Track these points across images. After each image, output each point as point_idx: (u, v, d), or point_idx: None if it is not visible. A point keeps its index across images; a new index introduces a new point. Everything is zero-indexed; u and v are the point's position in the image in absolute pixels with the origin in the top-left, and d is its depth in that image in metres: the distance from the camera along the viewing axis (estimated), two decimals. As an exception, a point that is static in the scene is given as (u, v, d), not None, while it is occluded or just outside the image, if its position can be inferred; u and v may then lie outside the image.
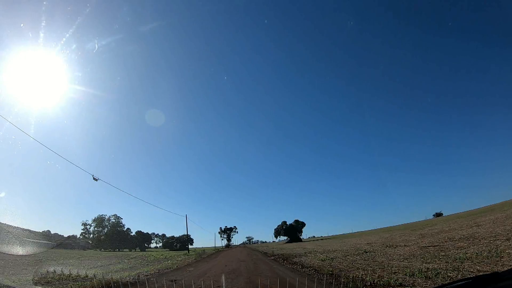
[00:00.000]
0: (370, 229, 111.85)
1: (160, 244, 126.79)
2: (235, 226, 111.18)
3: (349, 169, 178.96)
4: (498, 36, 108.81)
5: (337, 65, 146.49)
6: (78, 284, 9.34)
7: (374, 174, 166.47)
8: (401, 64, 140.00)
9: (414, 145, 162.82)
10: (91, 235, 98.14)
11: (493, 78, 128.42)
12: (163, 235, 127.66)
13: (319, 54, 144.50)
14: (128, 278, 10.64)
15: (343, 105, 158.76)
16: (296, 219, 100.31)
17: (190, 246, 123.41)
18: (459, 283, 2.02)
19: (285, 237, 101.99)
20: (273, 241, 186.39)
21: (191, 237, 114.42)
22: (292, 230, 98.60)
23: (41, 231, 72.83)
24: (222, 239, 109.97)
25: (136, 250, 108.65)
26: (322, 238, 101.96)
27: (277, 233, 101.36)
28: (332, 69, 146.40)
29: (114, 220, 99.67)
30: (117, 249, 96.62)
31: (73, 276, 11.36)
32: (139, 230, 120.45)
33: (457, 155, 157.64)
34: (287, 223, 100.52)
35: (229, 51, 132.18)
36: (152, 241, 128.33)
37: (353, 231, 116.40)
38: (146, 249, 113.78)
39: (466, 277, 3.27)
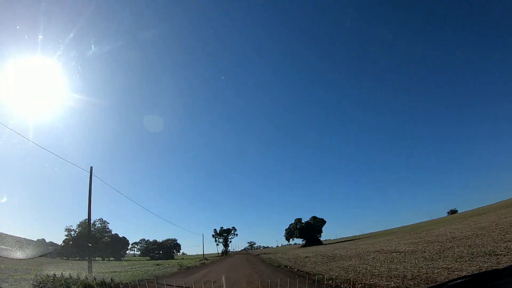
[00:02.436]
0: (381, 230, 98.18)
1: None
2: (233, 227, 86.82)
3: (353, 170, 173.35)
4: (503, 29, 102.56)
5: (338, 63, 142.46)
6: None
7: (374, 174, 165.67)
8: (406, 58, 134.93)
9: (421, 143, 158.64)
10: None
11: (501, 71, 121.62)
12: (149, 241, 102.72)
13: (319, 52, 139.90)
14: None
15: (346, 103, 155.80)
16: (313, 215, 76.10)
17: (176, 254, 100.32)
18: (459, 281, 1.96)
19: (301, 240, 77.54)
20: (277, 246, 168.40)
21: (178, 242, 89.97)
22: (309, 230, 74.48)
23: (35, 239, 65.19)
24: (218, 244, 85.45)
25: (110, 259, 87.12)
26: (346, 239, 78.90)
27: (290, 234, 76.93)
28: (333, 66, 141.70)
29: (99, 225, 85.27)
30: (86, 258, 77.63)
31: None
32: (114, 233, 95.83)
33: (464, 152, 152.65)
34: (302, 220, 76.29)
35: (227, 51, 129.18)
36: (134, 247, 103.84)
37: (364, 233, 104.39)
38: (123, 258, 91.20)
39: (466, 275, 3.28)
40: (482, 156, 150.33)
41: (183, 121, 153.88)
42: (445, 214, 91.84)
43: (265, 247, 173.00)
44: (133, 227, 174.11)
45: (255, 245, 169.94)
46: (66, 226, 78.83)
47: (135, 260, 74.92)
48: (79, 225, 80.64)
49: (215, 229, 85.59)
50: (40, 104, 44.80)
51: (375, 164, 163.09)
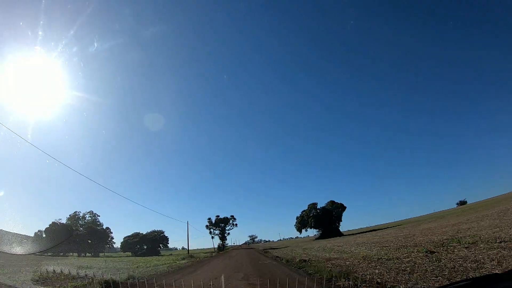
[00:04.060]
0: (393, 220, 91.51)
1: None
2: (232, 216, 71.60)
3: (353, 167, 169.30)
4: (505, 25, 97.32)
5: (340, 61, 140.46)
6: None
7: (373, 170, 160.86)
8: (410, 55, 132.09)
9: (424, 137, 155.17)
10: (64, 236, 74.49)
11: (506, 66, 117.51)
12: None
13: (320, 50, 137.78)
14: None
15: (350, 101, 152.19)
16: (331, 199, 61.12)
17: (164, 248, 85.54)
18: (459, 284, 1.97)
19: (316, 230, 62.59)
20: (279, 239, 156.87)
21: (165, 234, 74.93)
22: (326, 218, 59.63)
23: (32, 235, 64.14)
24: (213, 237, 70.23)
25: (86, 255, 74.24)
26: (369, 229, 64.67)
27: (302, 223, 61.87)
28: (334, 65, 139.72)
29: (89, 218, 78.54)
30: (61, 253, 66.86)
31: None
32: (91, 225, 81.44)
33: (469, 145, 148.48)
34: (317, 206, 61.31)
35: (228, 49, 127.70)
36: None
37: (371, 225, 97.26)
38: (103, 253, 76.42)
39: (466, 278, 3.39)
40: (486, 150, 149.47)
41: (185, 118, 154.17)
42: (454, 205, 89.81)
43: (266, 241, 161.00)
44: (129, 222, 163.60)
45: (256, 239, 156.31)
46: (55, 219, 71.70)
47: (108, 257, 60.88)
48: (68, 219, 75.53)
49: (209, 219, 70.41)
50: (41, 101, 44.25)
51: (375, 159, 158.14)
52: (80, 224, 77.90)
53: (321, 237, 59.11)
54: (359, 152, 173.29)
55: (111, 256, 68.55)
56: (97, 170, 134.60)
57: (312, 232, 71.15)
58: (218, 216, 70.77)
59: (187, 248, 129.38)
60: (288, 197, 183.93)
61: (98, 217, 76.81)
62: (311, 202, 60.62)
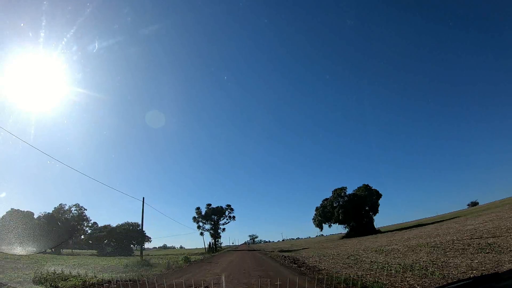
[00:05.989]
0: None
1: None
2: (228, 205, 55.20)
3: (354, 166, 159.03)
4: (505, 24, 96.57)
5: (343, 59, 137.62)
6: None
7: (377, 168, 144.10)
8: (413, 52, 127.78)
9: (433, 140, 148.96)
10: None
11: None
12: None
13: (323, 48, 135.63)
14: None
15: (348, 100, 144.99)
16: (365, 183, 44.57)
17: (143, 246, 69.36)
18: (459, 284, 1.96)
19: (343, 226, 45.66)
20: (283, 240, 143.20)
21: (143, 229, 58.51)
22: (356, 208, 43.01)
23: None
24: (202, 233, 53.48)
25: (46, 252, 59.32)
26: (412, 224, 48.04)
27: (325, 216, 45.06)
28: (338, 63, 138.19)
29: (76, 211, 72.14)
30: (19, 247, 51.65)
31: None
32: (53, 215, 67.03)
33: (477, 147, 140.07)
34: (347, 192, 44.73)
35: (230, 48, 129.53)
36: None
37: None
38: (65, 250, 62.31)
39: (466, 278, 3.35)
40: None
41: (185, 114, 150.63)
42: (465, 207, 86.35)
43: (267, 242, 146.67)
44: (128, 219, 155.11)
45: (256, 239, 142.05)
46: (40, 212, 65.69)
47: (67, 255, 45.85)
48: (54, 211, 70.42)
49: (197, 209, 53.72)
50: (44, 99, 46.35)
51: (374, 160, 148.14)
52: (65, 218, 70.43)
53: (349, 235, 42.67)
54: (359, 152, 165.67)
55: (72, 254, 53.68)
56: (95, 168, 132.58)
57: (331, 230, 54.91)
58: (209, 205, 54.21)
59: (180, 246, 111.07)
60: (289, 197, 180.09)
61: (85, 211, 67.25)
62: (336, 188, 43.96)
